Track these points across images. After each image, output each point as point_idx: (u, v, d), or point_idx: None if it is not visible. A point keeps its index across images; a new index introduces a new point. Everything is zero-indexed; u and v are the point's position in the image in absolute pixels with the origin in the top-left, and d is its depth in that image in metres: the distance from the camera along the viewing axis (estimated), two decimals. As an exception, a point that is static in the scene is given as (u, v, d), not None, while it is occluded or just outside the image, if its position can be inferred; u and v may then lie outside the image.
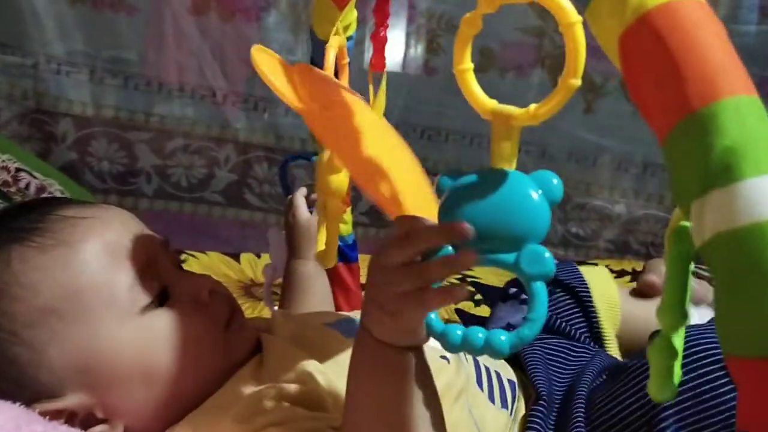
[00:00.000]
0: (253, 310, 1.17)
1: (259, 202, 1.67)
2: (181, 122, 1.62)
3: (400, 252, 0.43)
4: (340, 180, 0.60)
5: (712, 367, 0.59)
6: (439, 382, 0.49)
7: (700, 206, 0.31)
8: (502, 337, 0.41)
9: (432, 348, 0.47)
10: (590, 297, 0.85)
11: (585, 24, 0.37)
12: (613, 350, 0.84)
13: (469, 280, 1.29)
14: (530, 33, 1.69)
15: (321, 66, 0.58)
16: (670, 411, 0.59)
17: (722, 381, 0.59)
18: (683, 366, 0.59)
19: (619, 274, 1.46)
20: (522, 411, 0.69)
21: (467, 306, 1.19)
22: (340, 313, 0.81)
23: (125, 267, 0.57)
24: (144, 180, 1.61)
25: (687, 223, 0.34)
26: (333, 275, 0.90)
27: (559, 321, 0.83)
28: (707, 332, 0.60)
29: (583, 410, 0.66)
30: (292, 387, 0.57)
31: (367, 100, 0.61)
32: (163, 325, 0.57)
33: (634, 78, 0.34)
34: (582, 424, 0.65)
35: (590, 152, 1.77)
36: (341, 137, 0.47)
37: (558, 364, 0.76)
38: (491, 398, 0.68)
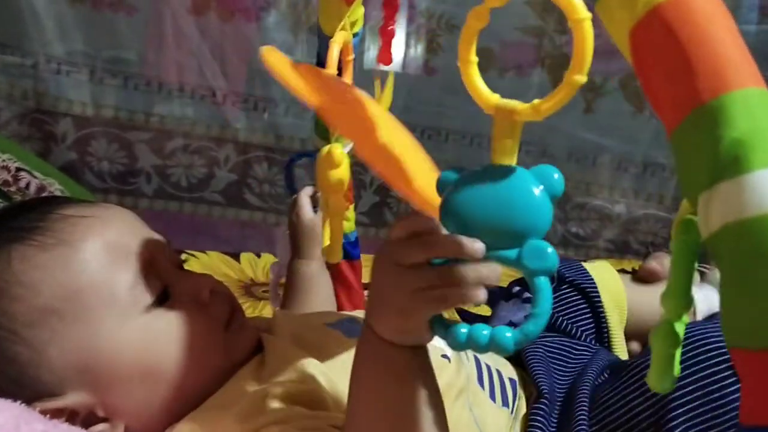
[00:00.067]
0: (253, 309, 1.17)
1: (259, 201, 1.67)
2: (181, 122, 1.62)
3: (417, 253, 0.43)
4: (341, 174, 0.60)
5: (721, 366, 0.59)
6: (440, 380, 0.49)
7: (708, 198, 0.31)
8: (507, 334, 0.41)
9: (433, 347, 0.47)
10: (597, 293, 0.85)
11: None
12: (619, 347, 0.84)
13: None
14: (530, 33, 1.69)
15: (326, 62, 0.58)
16: (679, 411, 0.59)
17: (732, 379, 0.59)
18: (691, 362, 0.59)
19: (619, 273, 1.45)
20: (523, 409, 0.69)
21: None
22: (341, 312, 0.81)
23: (126, 266, 0.57)
24: (144, 180, 1.62)
25: (694, 216, 0.34)
26: (335, 272, 0.89)
27: (561, 319, 0.83)
28: (715, 329, 0.61)
29: (586, 408, 0.66)
30: (293, 386, 0.57)
31: (373, 96, 0.61)
32: (163, 324, 0.57)
33: (644, 71, 0.34)
34: (585, 423, 0.65)
35: (590, 152, 1.77)
36: (355, 128, 0.47)
37: (560, 363, 0.76)
38: (492, 397, 0.68)
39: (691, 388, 0.59)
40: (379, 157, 0.46)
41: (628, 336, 0.86)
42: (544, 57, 1.70)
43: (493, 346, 0.41)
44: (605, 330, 0.85)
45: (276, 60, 0.47)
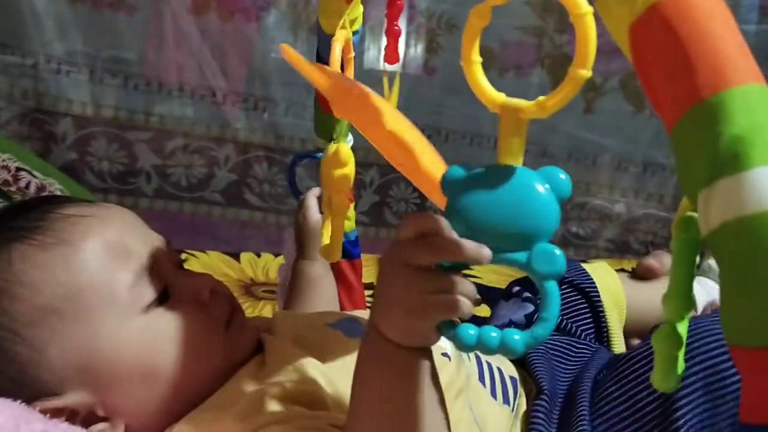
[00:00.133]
0: (253, 309, 1.18)
1: (259, 201, 1.67)
2: (180, 122, 1.62)
3: (427, 255, 0.43)
4: (345, 174, 0.60)
5: (723, 357, 0.60)
6: (440, 379, 0.49)
7: (707, 195, 0.31)
8: (516, 337, 0.40)
9: (434, 345, 0.47)
10: (597, 293, 0.85)
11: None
12: (618, 346, 0.84)
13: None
14: (530, 33, 1.69)
15: (327, 60, 0.58)
16: (684, 401, 0.59)
17: (732, 371, 0.59)
18: (694, 353, 0.59)
19: (618, 272, 1.45)
20: (524, 407, 0.69)
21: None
22: (342, 312, 0.81)
23: (126, 266, 0.57)
24: (144, 180, 1.62)
25: (694, 213, 0.34)
26: (335, 271, 0.89)
27: (561, 319, 0.83)
28: (715, 322, 0.61)
29: (587, 404, 0.66)
30: (293, 386, 0.57)
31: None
32: (163, 324, 0.57)
33: (644, 67, 0.34)
34: (586, 418, 0.65)
35: (590, 152, 1.77)
36: (365, 117, 0.47)
37: (561, 361, 0.77)
38: (493, 394, 0.68)
39: (694, 378, 0.60)
40: (388, 143, 0.46)
41: (628, 333, 0.86)
42: (544, 57, 1.70)
43: (502, 348, 0.41)
44: (605, 329, 0.85)
45: (293, 54, 0.47)
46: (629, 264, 1.56)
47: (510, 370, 0.72)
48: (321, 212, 0.86)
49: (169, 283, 0.59)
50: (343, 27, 0.56)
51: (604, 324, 0.85)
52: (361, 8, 0.66)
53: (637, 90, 1.73)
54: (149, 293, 0.57)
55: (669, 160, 1.77)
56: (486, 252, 0.41)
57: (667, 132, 0.33)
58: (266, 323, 0.69)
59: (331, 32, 0.60)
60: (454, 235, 0.42)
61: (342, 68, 0.59)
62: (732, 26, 0.32)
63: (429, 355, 0.47)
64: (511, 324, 0.82)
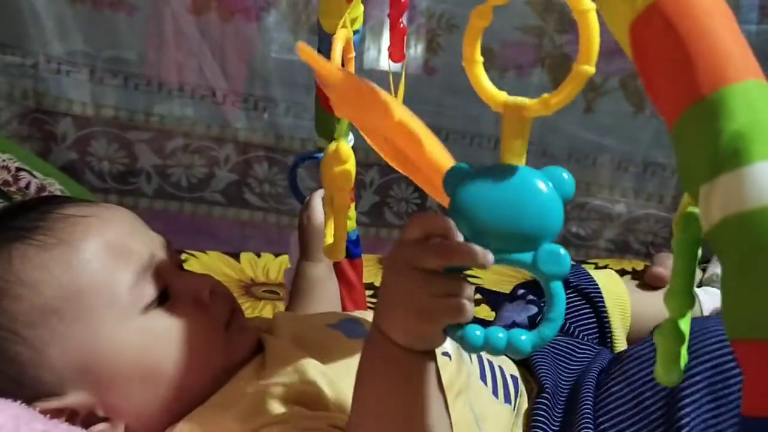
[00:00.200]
0: (253, 309, 1.17)
1: (259, 201, 1.67)
2: (181, 122, 1.62)
3: (436, 259, 0.43)
4: (346, 170, 0.59)
5: (727, 357, 0.60)
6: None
7: (708, 191, 0.31)
8: (523, 337, 0.40)
9: (435, 345, 0.47)
10: (602, 298, 0.85)
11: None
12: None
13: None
14: (530, 33, 1.69)
15: (327, 59, 0.57)
16: (689, 399, 0.59)
17: (735, 371, 0.59)
18: (698, 353, 0.59)
19: (620, 273, 1.45)
20: (525, 406, 0.69)
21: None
22: (342, 313, 0.81)
23: (126, 266, 0.57)
24: (144, 180, 1.61)
25: (695, 209, 0.34)
26: (336, 271, 0.89)
27: (565, 322, 0.83)
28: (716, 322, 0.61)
29: (590, 403, 0.66)
30: (293, 387, 0.57)
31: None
32: (163, 325, 0.57)
33: (644, 65, 0.34)
34: (590, 417, 0.65)
35: (590, 152, 1.77)
36: (372, 113, 0.46)
37: (564, 361, 0.77)
38: (495, 393, 0.68)
39: (698, 378, 0.60)
40: (396, 134, 0.46)
41: (632, 341, 0.86)
42: (544, 57, 1.70)
43: (510, 349, 0.41)
44: (608, 335, 0.85)
45: (311, 51, 0.47)
46: (630, 264, 1.56)
47: (511, 368, 0.72)
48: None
49: (169, 284, 0.59)
50: (344, 26, 0.56)
51: (608, 330, 0.85)
52: (361, 7, 0.66)
53: (637, 90, 1.73)
54: (149, 293, 0.57)
55: (669, 160, 1.77)
56: (490, 257, 0.41)
57: (668, 129, 0.33)
58: (266, 324, 0.69)
59: (331, 31, 0.60)
60: (461, 238, 0.42)
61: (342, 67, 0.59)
62: (732, 23, 0.33)
63: (433, 357, 0.47)
64: (514, 326, 0.83)
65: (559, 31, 1.69)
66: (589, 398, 0.67)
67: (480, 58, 0.41)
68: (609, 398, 0.66)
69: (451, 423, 0.48)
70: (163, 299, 0.58)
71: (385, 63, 1.52)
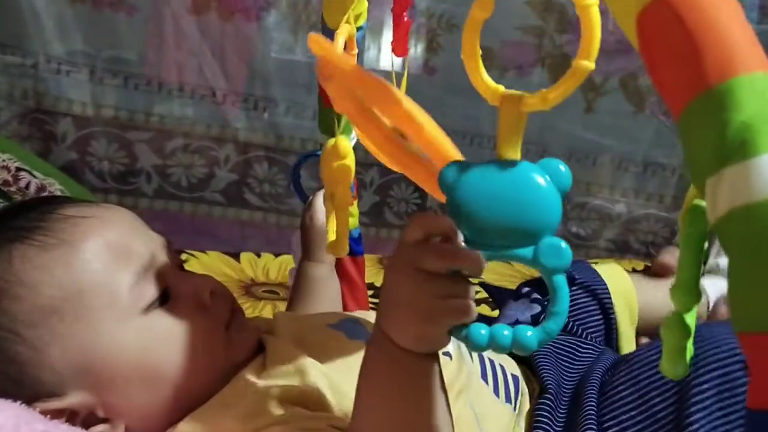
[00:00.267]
0: (253, 309, 1.17)
1: (259, 201, 1.67)
2: (181, 122, 1.62)
3: (442, 262, 0.42)
4: (344, 164, 0.59)
5: (736, 366, 0.60)
6: (441, 379, 0.49)
7: (715, 182, 0.31)
8: (529, 333, 0.40)
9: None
10: (609, 295, 0.85)
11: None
12: (627, 350, 0.84)
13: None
14: (530, 33, 1.69)
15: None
16: (697, 406, 0.59)
17: (743, 379, 0.59)
18: (706, 357, 0.59)
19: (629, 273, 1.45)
20: (527, 406, 0.69)
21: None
22: (343, 313, 0.80)
23: (126, 267, 0.57)
24: (144, 180, 1.61)
25: (701, 202, 0.34)
26: (338, 269, 0.89)
27: (569, 320, 0.83)
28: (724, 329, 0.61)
29: (594, 404, 0.66)
30: (294, 387, 0.57)
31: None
32: (164, 325, 0.57)
33: (651, 56, 0.34)
34: (593, 420, 0.65)
35: (590, 152, 1.77)
36: (380, 100, 0.46)
37: (566, 360, 0.76)
38: (496, 392, 0.67)
39: (707, 386, 0.60)
40: (405, 124, 0.45)
41: (639, 332, 0.86)
42: (544, 57, 1.70)
43: (516, 346, 0.40)
44: (615, 332, 0.85)
45: (323, 41, 0.47)
46: (630, 264, 1.56)
47: (512, 368, 0.72)
48: None
49: (169, 284, 0.59)
50: (347, 22, 0.56)
51: (615, 327, 0.85)
52: (365, 4, 0.66)
53: (637, 90, 1.73)
54: (150, 294, 0.57)
55: (669, 160, 1.77)
56: (484, 263, 0.41)
57: (674, 120, 0.33)
58: (267, 324, 0.69)
59: (335, 28, 0.60)
60: (462, 237, 0.42)
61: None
62: (739, 14, 0.33)
63: (437, 359, 0.46)
64: (517, 323, 0.82)
65: (559, 31, 1.69)
66: (593, 400, 0.67)
67: (479, 51, 0.40)
68: (616, 403, 0.65)
69: (453, 424, 0.48)
70: (164, 300, 0.58)
71: (384, 62, 1.52)
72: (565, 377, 0.73)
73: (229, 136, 1.64)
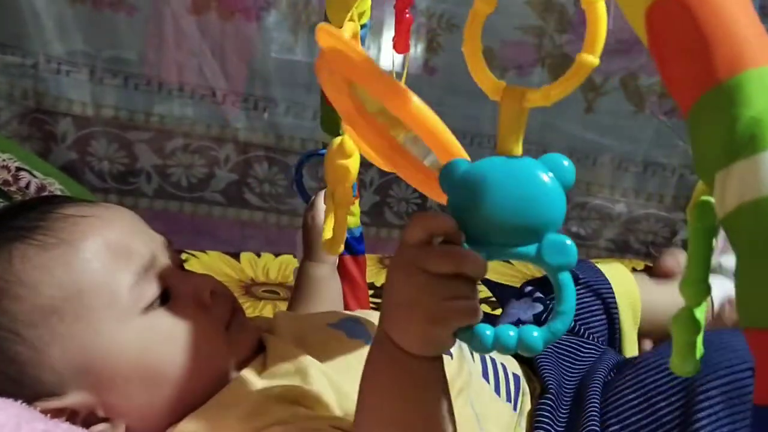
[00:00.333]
0: (253, 309, 1.17)
1: (259, 201, 1.67)
2: (181, 122, 1.62)
3: (449, 265, 0.42)
4: (349, 165, 0.59)
5: (746, 372, 0.59)
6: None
7: (724, 177, 0.31)
8: (535, 333, 0.39)
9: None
10: (613, 295, 0.85)
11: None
12: (630, 349, 0.84)
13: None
14: (530, 33, 1.69)
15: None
16: (705, 412, 0.59)
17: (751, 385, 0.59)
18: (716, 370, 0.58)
19: (633, 273, 1.45)
20: (528, 405, 0.69)
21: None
22: (344, 312, 0.80)
23: (127, 266, 0.57)
24: (144, 180, 1.61)
25: (709, 198, 0.34)
26: (339, 268, 0.89)
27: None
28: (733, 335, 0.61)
29: (597, 405, 0.66)
30: (295, 387, 0.57)
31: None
32: (164, 325, 0.57)
33: (660, 51, 0.34)
34: (596, 421, 0.64)
35: (590, 151, 1.77)
36: (389, 96, 0.46)
37: (568, 361, 0.76)
38: (497, 391, 0.67)
39: (715, 392, 0.59)
40: (413, 120, 0.45)
41: (642, 335, 0.86)
42: (544, 57, 1.70)
43: (521, 346, 0.40)
44: (618, 332, 0.84)
45: (333, 30, 0.47)
46: (629, 264, 1.55)
47: (513, 367, 0.72)
48: None
49: (169, 284, 0.59)
50: (351, 19, 0.56)
51: (618, 327, 0.84)
52: (368, 1, 0.66)
53: (637, 90, 1.73)
54: (150, 294, 0.57)
55: (669, 160, 1.77)
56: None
57: (683, 114, 0.33)
58: (267, 323, 0.69)
59: (339, 25, 0.60)
60: (463, 237, 0.41)
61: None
62: (749, 9, 0.32)
63: (441, 361, 0.46)
64: (519, 323, 0.82)
65: (559, 31, 1.69)
66: (596, 401, 0.66)
67: (480, 45, 0.40)
68: (621, 407, 0.65)
69: (455, 425, 0.48)
70: (164, 299, 0.58)
71: (384, 62, 1.52)
72: (566, 377, 0.73)
73: (229, 136, 1.64)
